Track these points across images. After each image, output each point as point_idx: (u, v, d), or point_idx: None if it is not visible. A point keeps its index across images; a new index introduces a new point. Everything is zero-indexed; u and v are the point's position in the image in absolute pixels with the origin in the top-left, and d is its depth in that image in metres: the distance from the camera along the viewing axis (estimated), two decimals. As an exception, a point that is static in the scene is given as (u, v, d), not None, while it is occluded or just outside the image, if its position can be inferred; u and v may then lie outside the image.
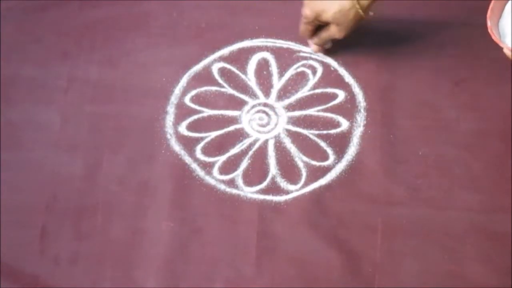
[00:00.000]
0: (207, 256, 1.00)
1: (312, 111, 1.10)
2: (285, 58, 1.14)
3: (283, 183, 1.05)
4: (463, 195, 1.02)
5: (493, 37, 0.76)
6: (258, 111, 1.11)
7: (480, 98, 1.09)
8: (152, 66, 1.14)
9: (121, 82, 1.13)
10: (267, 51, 1.15)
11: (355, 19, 1.03)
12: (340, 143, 1.07)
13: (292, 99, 1.11)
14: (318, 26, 1.08)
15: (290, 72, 1.13)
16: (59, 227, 1.03)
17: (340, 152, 1.07)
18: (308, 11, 1.05)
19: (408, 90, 1.10)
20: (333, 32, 1.06)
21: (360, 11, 1.02)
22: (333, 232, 1.01)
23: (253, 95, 1.12)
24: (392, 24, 1.15)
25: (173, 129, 1.10)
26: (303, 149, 1.07)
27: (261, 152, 1.07)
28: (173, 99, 1.12)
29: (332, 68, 1.13)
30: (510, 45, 0.77)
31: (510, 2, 0.78)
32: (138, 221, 1.03)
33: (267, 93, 1.12)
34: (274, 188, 1.05)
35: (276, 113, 1.10)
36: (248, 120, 1.10)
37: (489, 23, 0.77)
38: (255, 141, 1.08)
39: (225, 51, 1.15)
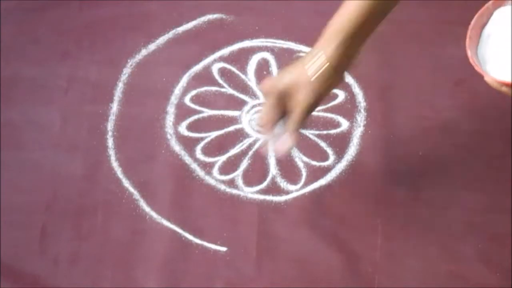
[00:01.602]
0: (207, 256, 1.00)
1: (312, 111, 1.10)
2: (285, 58, 1.14)
3: (283, 183, 1.05)
4: (463, 195, 1.02)
5: (476, 68, 0.76)
6: (258, 111, 1.11)
7: (480, 98, 1.09)
8: (152, 66, 1.14)
9: (121, 82, 1.13)
10: (267, 51, 1.15)
11: (322, 72, 0.85)
12: (340, 143, 1.07)
13: (292, 99, 1.11)
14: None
15: (290, 72, 1.13)
16: (59, 227, 1.03)
17: (340, 152, 1.07)
18: (264, 83, 0.89)
19: (408, 90, 1.10)
20: (298, 100, 0.86)
21: (322, 58, 0.85)
22: (333, 232, 1.01)
23: (253, 95, 1.12)
24: (392, 24, 1.15)
25: (173, 129, 1.10)
26: (303, 149, 1.07)
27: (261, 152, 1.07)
28: (173, 99, 1.12)
29: (332, 68, 1.13)
30: (491, 73, 0.76)
31: (486, 27, 0.78)
32: (138, 221, 1.03)
33: (267, 93, 1.12)
34: (274, 188, 1.05)
35: (276, 113, 1.10)
36: (248, 120, 1.10)
37: (469, 53, 0.76)
38: (255, 141, 1.08)
39: (225, 51, 1.15)
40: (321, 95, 0.86)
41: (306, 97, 0.85)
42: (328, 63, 0.84)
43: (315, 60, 0.85)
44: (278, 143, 0.89)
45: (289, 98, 0.87)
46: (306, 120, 0.88)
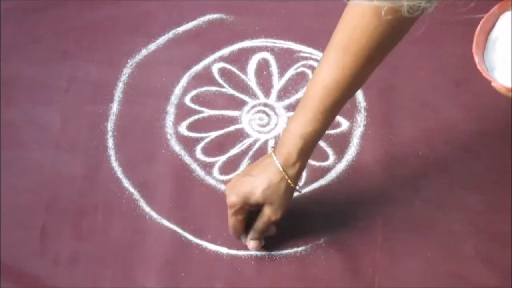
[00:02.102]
0: (207, 256, 1.00)
1: (312, 111, 1.10)
2: (285, 58, 1.14)
3: (283, 183, 1.05)
4: (463, 195, 1.02)
5: (483, 74, 0.76)
6: (258, 111, 1.11)
7: (480, 98, 1.09)
8: (152, 66, 1.14)
9: (121, 82, 1.13)
10: (267, 51, 1.15)
11: (287, 193, 0.92)
12: (340, 143, 1.07)
13: (292, 99, 1.11)
14: (249, 219, 0.96)
15: (290, 72, 1.13)
16: (59, 227, 1.03)
17: (340, 152, 1.07)
18: (233, 197, 0.92)
19: (408, 90, 1.10)
20: (268, 214, 0.92)
21: (289, 181, 0.91)
22: (333, 232, 1.01)
23: (253, 95, 1.12)
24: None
25: (173, 129, 1.10)
26: (303, 149, 1.07)
27: (261, 152, 1.07)
28: (173, 99, 1.12)
29: (332, 68, 1.13)
30: (499, 79, 0.76)
31: (492, 32, 0.78)
32: (138, 221, 1.03)
33: (267, 93, 1.12)
34: (274, 188, 1.04)
35: (276, 113, 1.10)
36: (248, 120, 1.10)
37: (476, 59, 0.76)
38: (255, 141, 1.08)
39: (225, 51, 1.15)
40: (288, 206, 0.94)
41: (277, 212, 0.93)
42: (294, 188, 0.92)
43: (282, 184, 0.91)
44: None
45: (253, 210, 0.94)
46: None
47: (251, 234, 0.96)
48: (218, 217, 1.03)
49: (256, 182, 0.91)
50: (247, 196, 0.91)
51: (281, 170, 0.90)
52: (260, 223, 0.94)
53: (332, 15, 1.17)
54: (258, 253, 1.00)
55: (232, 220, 0.95)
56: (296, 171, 0.91)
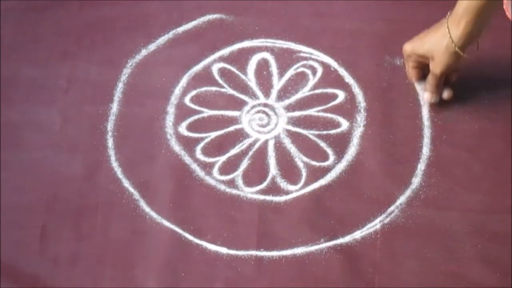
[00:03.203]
0: (207, 256, 1.00)
1: (312, 112, 1.10)
2: (285, 59, 1.14)
3: (283, 184, 1.05)
4: (463, 196, 1.02)
5: (507, 13, 0.75)
6: (258, 112, 1.11)
7: (480, 98, 1.09)
8: (152, 66, 1.14)
9: (121, 82, 1.13)
10: (267, 51, 1.15)
11: (448, 50, 0.98)
12: (340, 143, 1.07)
13: (292, 99, 1.11)
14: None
15: (290, 72, 1.13)
16: (59, 227, 1.03)
17: (340, 152, 1.07)
18: (406, 46, 1.04)
19: (408, 90, 1.10)
20: (431, 67, 1.02)
21: (451, 39, 0.97)
22: (333, 232, 1.01)
23: (253, 95, 1.12)
24: (392, 24, 1.15)
25: (173, 129, 1.10)
26: (303, 149, 1.07)
27: (261, 153, 1.07)
28: (173, 99, 1.12)
29: (332, 68, 1.13)
30: None
31: None
32: (138, 221, 1.03)
33: (267, 94, 1.12)
34: (274, 189, 1.05)
35: (276, 114, 1.10)
36: (248, 120, 1.10)
37: None
38: (255, 141, 1.08)
39: (225, 51, 1.15)
40: (449, 66, 1.01)
41: (436, 67, 1.01)
42: (454, 45, 0.97)
43: (444, 41, 0.98)
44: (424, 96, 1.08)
45: (425, 62, 1.04)
46: (441, 82, 1.04)
47: (424, 85, 1.07)
48: (218, 217, 1.03)
49: (426, 37, 1.01)
50: (415, 47, 1.03)
51: (446, 27, 0.97)
52: (429, 76, 1.04)
53: (332, 15, 1.18)
54: (258, 253, 1.00)
55: (406, 67, 1.08)
56: (460, 31, 0.96)
